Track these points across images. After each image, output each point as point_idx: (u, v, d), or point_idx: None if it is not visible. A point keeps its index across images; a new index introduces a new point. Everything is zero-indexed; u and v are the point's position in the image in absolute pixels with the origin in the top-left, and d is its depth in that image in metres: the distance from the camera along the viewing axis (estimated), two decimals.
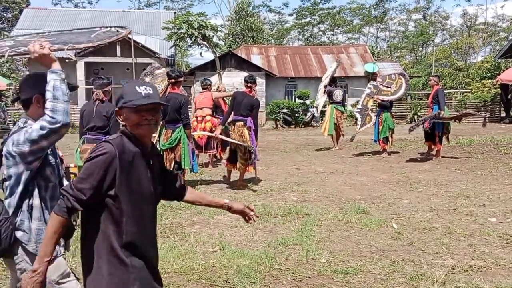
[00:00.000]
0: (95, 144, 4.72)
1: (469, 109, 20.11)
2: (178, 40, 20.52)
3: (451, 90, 27.14)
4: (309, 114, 20.85)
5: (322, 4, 52.24)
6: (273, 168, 9.07)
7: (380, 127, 10.33)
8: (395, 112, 20.84)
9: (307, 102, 21.37)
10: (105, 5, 69.63)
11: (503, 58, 23.95)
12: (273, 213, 5.56)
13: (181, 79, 6.36)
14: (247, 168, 7.17)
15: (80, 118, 4.98)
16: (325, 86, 11.67)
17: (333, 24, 51.90)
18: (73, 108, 19.98)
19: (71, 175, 5.00)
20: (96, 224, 1.91)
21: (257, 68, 23.04)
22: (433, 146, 10.07)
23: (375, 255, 4.13)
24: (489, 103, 21.46)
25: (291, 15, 53.84)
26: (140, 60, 21.30)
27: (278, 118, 21.16)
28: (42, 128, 2.15)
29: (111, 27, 2.75)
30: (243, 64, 22.92)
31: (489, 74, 26.43)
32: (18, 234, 2.26)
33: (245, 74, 22.44)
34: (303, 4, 53.13)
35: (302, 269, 3.86)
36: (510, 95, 20.96)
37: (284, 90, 24.34)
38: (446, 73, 32.44)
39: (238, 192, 6.99)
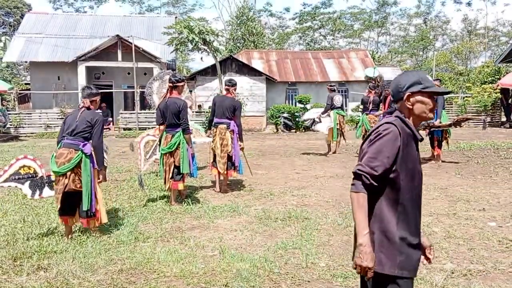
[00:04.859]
0: (72, 149, 4.67)
1: (468, 114, 20.13)
2: (179, 45, 20.56)
3: (452, 95, 27.16)
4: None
5: (323, 8, 52.44)
6: (273, 172, 9.08)
7: None
8: None
9: (308, 106, 21.40)
10: (107, 10, 69.89)
11: (503, 62, 23.98)
12: (273, 217, 5.57)
13: (181, 83, 6.35)
14: (228, 172, 7.18)
15: (62, 124, 4.89)
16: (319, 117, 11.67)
17: (334, 29, 52.03)
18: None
19: (53, 183, 4.93)
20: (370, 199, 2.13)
21: (258, 73, 23.08)
22: (432, 150, 10.10)
23: None
24: (490, 108, 21.47)
25: (293, 19, 54.04)
26: (141, 65, 21.34)
27: (279, 123, 21.19)
28: None
29: None
30: (244, 68, 22.95)
31: (489, 79, 26.44)
32: None
33: (246, 78, 22.70)
34: (304, 8, 53.36)
35: (301, 273, 3.87)
36: (510, 99, 20.98)
37: (285, 95, 24.36)
38: (447, 78, 32.48)
39: (238, 196, 7.00)
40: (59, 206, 4.71)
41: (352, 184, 2.12)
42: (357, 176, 2.10)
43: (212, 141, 7.26)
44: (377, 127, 2.19)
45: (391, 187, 2.14)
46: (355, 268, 2.11)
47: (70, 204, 4.77)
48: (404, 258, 2.13)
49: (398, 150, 2.11)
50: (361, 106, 10.98)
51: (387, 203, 2.14)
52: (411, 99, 2.20)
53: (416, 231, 2.22)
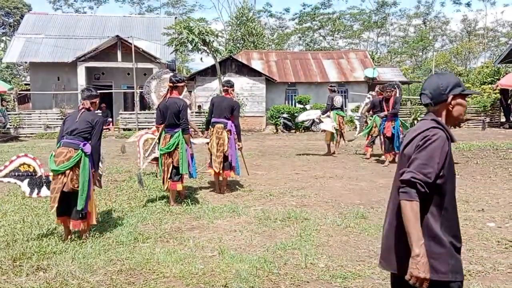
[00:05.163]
0: (71, 148, 4.66)
1: (467, 114, 20.15)
2: (179, 46, 20.56)
3: None
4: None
5: (323, 9, 52.48)
6: (273, 173, 9.09)
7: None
8: None
9: (307, 107, 21.42)
10: (106, 10, 69.90)
11: (502, 63, 23.99)
12: (272, 218, 5.57)
13: (181, 84, 6.36)
14: (226, 173, 7.18)
15: (62, 125, 4.89)
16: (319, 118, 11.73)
17: (333, 29, 52.09)
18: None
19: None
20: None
21: (258, 73, 23.09)
22: None
23: (373, 260, 4.13)
24: (489, 108, 21.47)
25: (293, 19, 54.14)
26: (141, 65, 21.33)
27: (279, 123, 21.19)
28: None
29: None
30: (244, 69, 22.96)
31: (489, 79, 26.45)
32: None
33: (246, 79, 22.72)
34: (304, 9, 53.40)
35: (300, 273, 3.87)
36: (510, 100, 20.98)
37: (285, 95, 24.38)
38: None
39: (238, 196, 7.00)
40: (56, 206, 4.67)
41: (405, 192, 2.03)
42: (411, 184, 2.02)
43: (209, 141, 7.26)
44: (423, 131, 2.12)
45: (437, 192, 2.09)
46: (409, 280, 2.04)
47: (68, 204, 4.74)
48: (455, 262, 2.10)
49: (446, 155, 2.08)
50: (365, 108, 10.89)
51: (432, 209, 2.09)
52: (452, 101, 2.18)
53: (459, 235, 2.18)
